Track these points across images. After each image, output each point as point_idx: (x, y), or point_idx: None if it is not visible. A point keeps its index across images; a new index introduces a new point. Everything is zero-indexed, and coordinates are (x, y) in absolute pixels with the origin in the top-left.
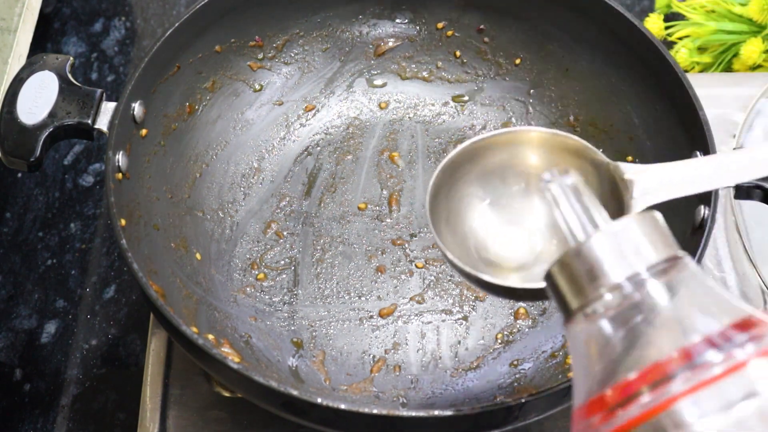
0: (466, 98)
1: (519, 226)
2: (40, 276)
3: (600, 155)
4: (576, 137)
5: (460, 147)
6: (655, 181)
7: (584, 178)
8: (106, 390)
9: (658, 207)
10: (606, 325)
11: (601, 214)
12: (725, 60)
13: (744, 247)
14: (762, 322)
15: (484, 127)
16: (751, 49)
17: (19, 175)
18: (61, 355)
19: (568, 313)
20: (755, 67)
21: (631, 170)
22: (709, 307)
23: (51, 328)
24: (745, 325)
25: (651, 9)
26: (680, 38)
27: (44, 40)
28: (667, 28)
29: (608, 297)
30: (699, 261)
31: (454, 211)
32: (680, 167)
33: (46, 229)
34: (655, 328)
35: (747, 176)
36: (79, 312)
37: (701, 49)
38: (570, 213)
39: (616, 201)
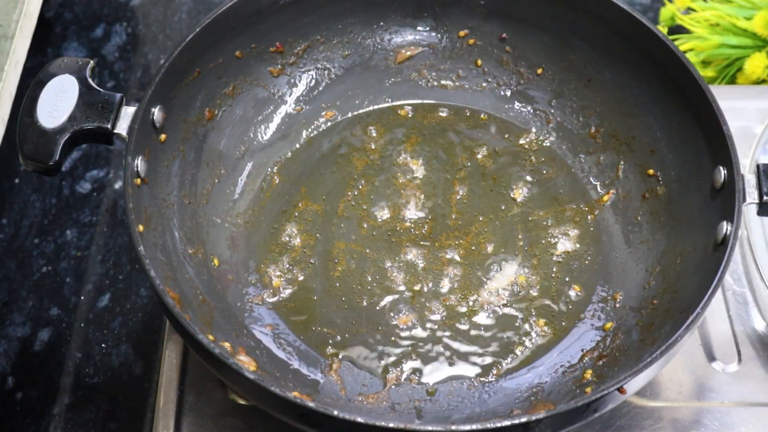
0: (487, 107)
1: None
2: (35, 283)
3: None
4: None
5: None
6: None
7: None
8: (98, 399)
9: (673, 223)
10: None
11: None
12: (729, 74)
13: (755, 262)
14: None
15: (504, 137)
16: (755, 64)
17: (16, 180)
18: (54, 363)
19: None
20: (759, 82)
21: None
22: None
23: (44, 335)
24: None
25: (655, 22)
26: (684, 52)
27: (45, 45)
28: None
29: None
30: (721, 277)
31: None
32: None
33: (41, 235)
34: None
35: None
36: (73, 320)
37: (705, 63)
38: None
39: None
